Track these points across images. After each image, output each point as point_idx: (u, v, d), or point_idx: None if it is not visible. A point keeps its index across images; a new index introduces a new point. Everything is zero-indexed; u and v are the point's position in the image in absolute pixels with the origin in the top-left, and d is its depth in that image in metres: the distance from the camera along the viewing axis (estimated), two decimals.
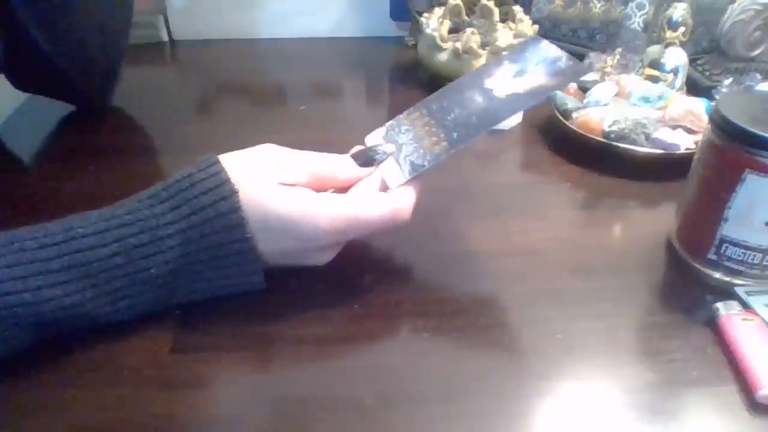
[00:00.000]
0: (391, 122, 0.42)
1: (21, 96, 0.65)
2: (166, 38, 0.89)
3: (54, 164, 0.56)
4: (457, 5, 0.75)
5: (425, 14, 0.76)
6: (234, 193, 0.33)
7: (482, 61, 0.69)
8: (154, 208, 0.33)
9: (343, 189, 0.38)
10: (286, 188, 0.34)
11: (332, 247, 0.38)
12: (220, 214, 0.33)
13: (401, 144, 0.40)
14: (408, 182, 0.38)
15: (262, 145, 0.37)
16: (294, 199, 0.34)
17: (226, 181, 0.33)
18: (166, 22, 0.88)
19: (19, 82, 0.59)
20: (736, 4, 0.68)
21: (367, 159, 0.39)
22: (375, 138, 0.42)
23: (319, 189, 0.37)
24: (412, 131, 0.40)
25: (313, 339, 0.36)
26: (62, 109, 0.64)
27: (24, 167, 0.58)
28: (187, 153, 0.60)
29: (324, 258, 0.38)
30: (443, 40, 0.70)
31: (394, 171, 0.39)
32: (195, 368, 0.34)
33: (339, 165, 0.38)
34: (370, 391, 0.33)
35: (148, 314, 0.35)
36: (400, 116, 0.42)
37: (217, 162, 0.34)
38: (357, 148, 0.40)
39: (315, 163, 0.37)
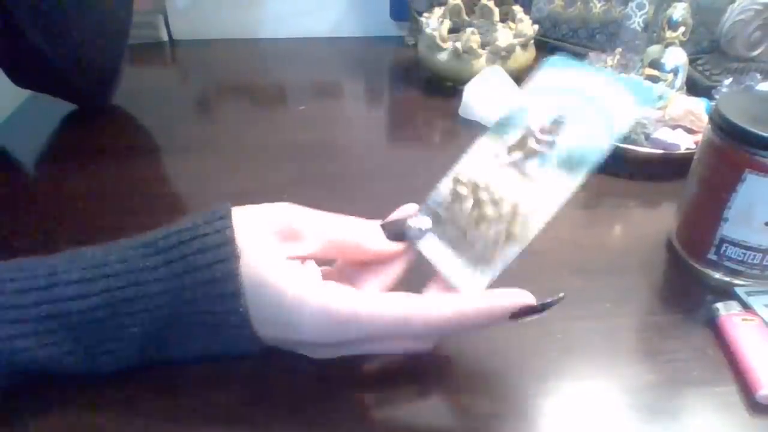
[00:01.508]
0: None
1: (22, 95, 0.65)
2: (166, 38, 0.89)
3: (54, 164, 0.56)
4: (457, 5, 0.75)
5: (425, 14, 0.76)
6: (234, 257, 0.29)
7: (482, 61, 0.69)
8: (147, 259, 0.29)
9: (370, 267, 0.33)
10: (289, 266, 0.30)
11: (328, 347, 0.31)
12: (215, 279, 0.29)
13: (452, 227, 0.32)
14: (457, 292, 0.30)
15: (282, 203, 0.32)
16: (290, 282, 0.29)
17: (230, 241, 0.29)
18: (166, 22, 0.88)
19: (19, 80, 0.59)
20: (736, 4, 0.68)
21: (396, 231, 0.32)
22: (410, 211, 0.34)
23: (341, 258, 0.33)
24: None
25: None
26: (63, 108, 0.64)
27: (24, 167, 0.58)
28: (187, 153, 0.60)
29: (320, 354, 0.32)
30: (443, 39, 0.70)
31: (443, 255, 0.31)
32: (194, 367, 0.33)
33: (366, 233, 0.32)
34: (370, 391, 0.33)
35: (134, 369, 0.32)
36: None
37: (227, 216, 0.30)
38: (392, 216, 0.34)
39: (337, 228, 0.32)
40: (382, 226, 0.33)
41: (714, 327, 0.37)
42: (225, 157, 0.58)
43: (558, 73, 0.33)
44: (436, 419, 0.31)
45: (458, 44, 0.68)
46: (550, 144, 0.31)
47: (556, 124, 0.31)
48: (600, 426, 0.31)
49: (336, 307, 0.28)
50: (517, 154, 0.31)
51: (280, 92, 0.75)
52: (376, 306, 0.29)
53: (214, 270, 0.29)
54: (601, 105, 0.30)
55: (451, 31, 0.73)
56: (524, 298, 0.29)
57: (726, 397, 0.33)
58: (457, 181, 0.33)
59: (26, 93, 0.65)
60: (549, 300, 0.29)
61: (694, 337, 0.37)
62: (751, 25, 0.68)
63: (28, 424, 0.31)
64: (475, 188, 0.32)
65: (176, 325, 0.30)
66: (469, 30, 0.69)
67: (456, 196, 0.32)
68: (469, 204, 0.32)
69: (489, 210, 0.31)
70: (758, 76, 0.64)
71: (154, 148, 0.61)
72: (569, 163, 0.30)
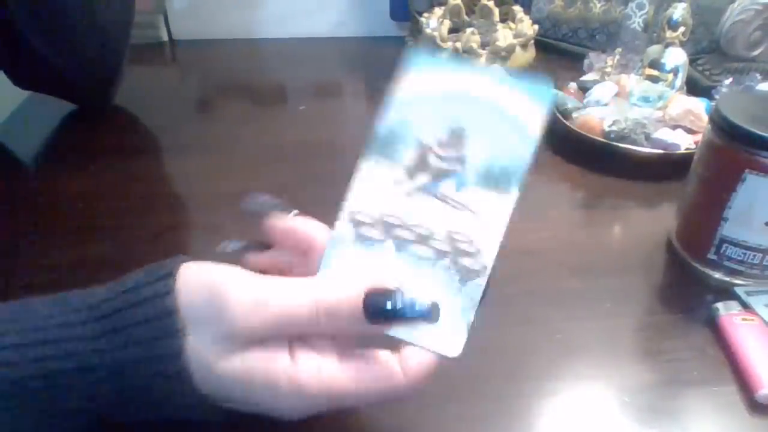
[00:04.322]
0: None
1: (21, 96, 0.65)
2: (166, 38, 0.89)
3: (54, 164, 0.56)
4: (457, 5, 0.75)
5: (425, 14, 0.76)
6: (176, 332, 0.25)
7: (482, 61, 0.69)
8: (87, 326, 0.25)
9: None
10: (248, 357, 0.25)
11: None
12: (157, 356, 0.25)
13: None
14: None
15: (238, 274, 0.26)
16: (253, 376, 0.25)
17: (172, 312, 0.25)
18: (166, 22, 0.88)
19: (20, 81, 0.59)
20: (736, 4, 0.68)
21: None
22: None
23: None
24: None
25: None
26: (63, 108, 0.64)
27: (24, 167, 0.58)
28: (187, 153, 0.60)
29: (296, 416, 0.27)
30: (443, 40, 0.70)
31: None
32: None
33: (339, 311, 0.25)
34: None
35: None
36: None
37: (170, 276, 0.25)
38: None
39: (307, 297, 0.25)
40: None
41: (714, 327, 0.37)
42: (225, 157, 0.58)
43: (429, 76, 0.28)
44: (436, 419, 0.31)
45: (458, 44, 0.68)
46: (459, 160, 0.26)
47: (457, 136, 0.26)
48: (600, 426, 0.31)
49: (309, 391, 0.25)
50: (424, 177, 0.26)
51: (280, 92, 0.75)
52: (350, 382, 0.25)
53: (155, 347, 0.25)
54: (501, 109, 0.26)
55: (451, 31, 0.73)
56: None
57: (726, 397, 0.33)
58: (358, 222, 0.26)
59: (26, 93, 0.65)
60: None
61: (694, 337, 0.37)
62: (751, 25, 0.68)
63: None
64: (387, 228, 0.26)
65: (121, 399, 0.26)
66: (469, 30, 0.69)
67: (366, 242, 0.26)
68: (391, 248, 0.26)
69: (420, 250, 0.26)
70: (758, 76, 0.64)
71: (154, 148, 0.61)
72: (491, 180, 0.26)
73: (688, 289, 0.41)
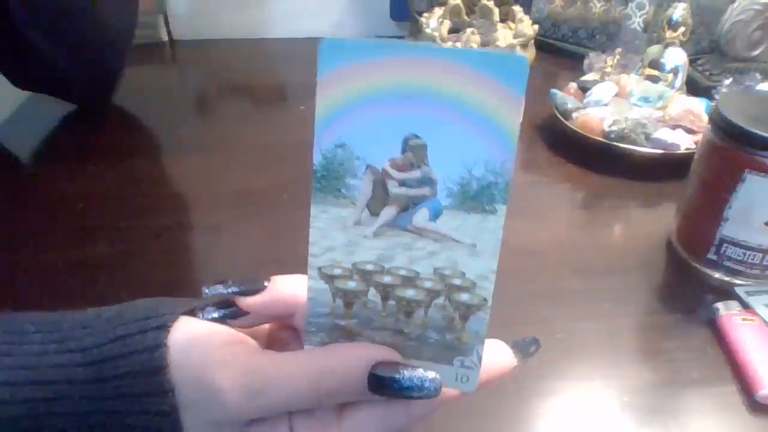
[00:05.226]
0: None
1: (21, 96, 0.65)
2: (166, 38, 0.89)
3: (54, 164, 0.56)
4: (457, 5, 0.75)
5: (425, 14, 0.76)
6: (166, 392, 0.24)
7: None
8: (79, 369, 0.25)
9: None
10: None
11: None
12: (146, 413, 0.24)
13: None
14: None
15: (244, 342, 0.25)
16: None
17: (161, 368, 0.24)
18: (166, 22, 0.88)
19: (19, 81, 0.59)
20: (736, 4, 0.68)
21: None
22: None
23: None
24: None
25: None
26: (62, 108, 0.64)
27: (24, 167, 0.58)
28: (187, 153, 0.60)
29: None
30: (443, 40, 0.70)
31: None
32: None
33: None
34: None
35: None
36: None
37: (165, 327, 0.24)
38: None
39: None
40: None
41: (714, 327, 0.37)
42: (225, 157, 0.58)
43: (358, 73, 0.20)
44: (437, 418, 0.31)
45: (458, 44, 0.68)
46: (425, 181, 0.21)
47: (414, 150, 0.21)
48: (600, 426, 0.31)
49: None
50: (389, 211, 0.22)
51: (280, 92, 0.75)
52: None
53: (144, 404, 0.24)
54: (464, 103, 0.20)
55: (451, 31, 0.73)
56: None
57: (726, 397, 0.33)
58: (330, 276, 0.23)
59: (26, 93, 0.65)
60: None
61: (694, 337, 0.37)
62: (751, 25, 0.69)
63: None
64: (365, 275, 0.23)
65: None
66: (469, 30, 0.69)
67: (347, 295, 0.23)
68: (376, 298, 0.23)
69: (408, 293, 0.23)
70: (758, 76, 0.64)
71: (154, 148, 0.61)
72: (470, 199, 0.21)
73: (688, 289, 0.41)
